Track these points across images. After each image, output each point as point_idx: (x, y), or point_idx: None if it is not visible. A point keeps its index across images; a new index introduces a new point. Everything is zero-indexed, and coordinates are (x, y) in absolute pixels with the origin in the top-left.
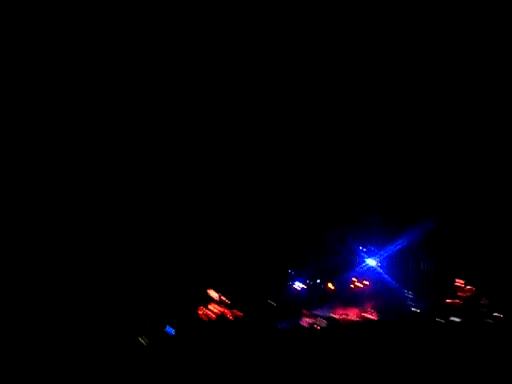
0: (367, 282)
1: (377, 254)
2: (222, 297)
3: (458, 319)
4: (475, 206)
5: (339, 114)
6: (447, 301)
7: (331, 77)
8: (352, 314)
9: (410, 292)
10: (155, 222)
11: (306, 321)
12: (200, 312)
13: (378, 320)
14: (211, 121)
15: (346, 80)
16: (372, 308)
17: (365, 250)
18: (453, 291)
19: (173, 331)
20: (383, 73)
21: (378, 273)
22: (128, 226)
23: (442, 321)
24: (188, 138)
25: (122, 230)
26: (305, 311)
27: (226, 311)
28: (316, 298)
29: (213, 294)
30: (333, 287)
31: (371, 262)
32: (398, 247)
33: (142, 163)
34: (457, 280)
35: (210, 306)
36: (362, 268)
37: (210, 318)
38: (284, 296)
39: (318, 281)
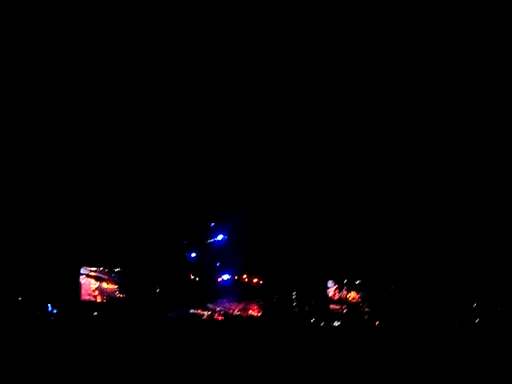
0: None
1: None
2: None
3: (337, 323)
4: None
5: None
6: (332, 306)
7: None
8: (234, 309)
9: (294, 293)
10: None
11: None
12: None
13: (259, 317)
14: None
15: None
16: (257, 305)
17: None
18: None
19: (54, 310)
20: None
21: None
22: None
23: (321, 324)
24: None
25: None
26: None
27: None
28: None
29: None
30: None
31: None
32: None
33: None
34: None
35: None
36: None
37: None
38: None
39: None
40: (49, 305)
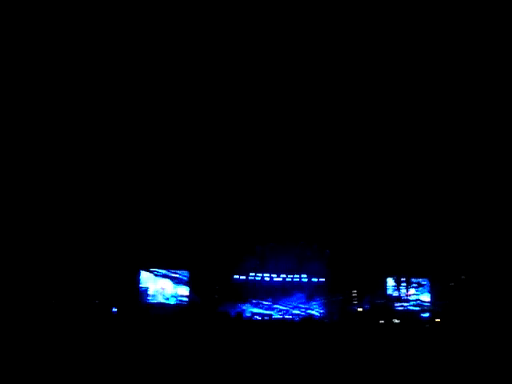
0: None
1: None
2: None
3: (397, 321)
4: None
5: None
6: (391, 303)
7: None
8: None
9: (354, 292)
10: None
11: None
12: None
13: (322, 317)
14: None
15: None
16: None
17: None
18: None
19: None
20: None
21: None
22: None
23: (382, 321)
24: None
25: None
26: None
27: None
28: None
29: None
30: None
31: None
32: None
33: None
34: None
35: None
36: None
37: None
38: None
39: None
40: (114, 308)
